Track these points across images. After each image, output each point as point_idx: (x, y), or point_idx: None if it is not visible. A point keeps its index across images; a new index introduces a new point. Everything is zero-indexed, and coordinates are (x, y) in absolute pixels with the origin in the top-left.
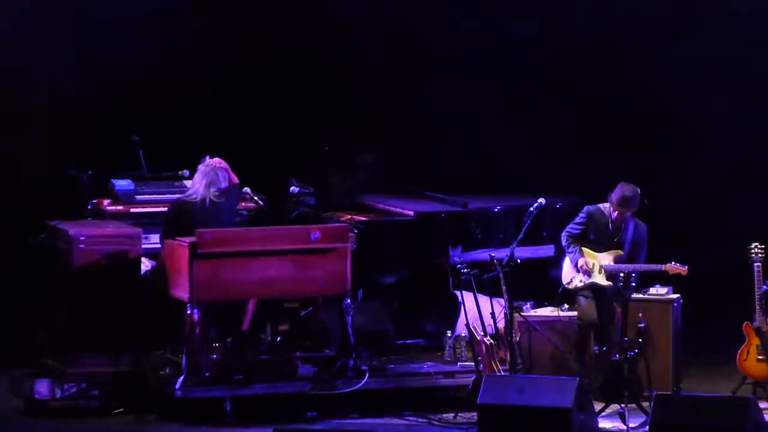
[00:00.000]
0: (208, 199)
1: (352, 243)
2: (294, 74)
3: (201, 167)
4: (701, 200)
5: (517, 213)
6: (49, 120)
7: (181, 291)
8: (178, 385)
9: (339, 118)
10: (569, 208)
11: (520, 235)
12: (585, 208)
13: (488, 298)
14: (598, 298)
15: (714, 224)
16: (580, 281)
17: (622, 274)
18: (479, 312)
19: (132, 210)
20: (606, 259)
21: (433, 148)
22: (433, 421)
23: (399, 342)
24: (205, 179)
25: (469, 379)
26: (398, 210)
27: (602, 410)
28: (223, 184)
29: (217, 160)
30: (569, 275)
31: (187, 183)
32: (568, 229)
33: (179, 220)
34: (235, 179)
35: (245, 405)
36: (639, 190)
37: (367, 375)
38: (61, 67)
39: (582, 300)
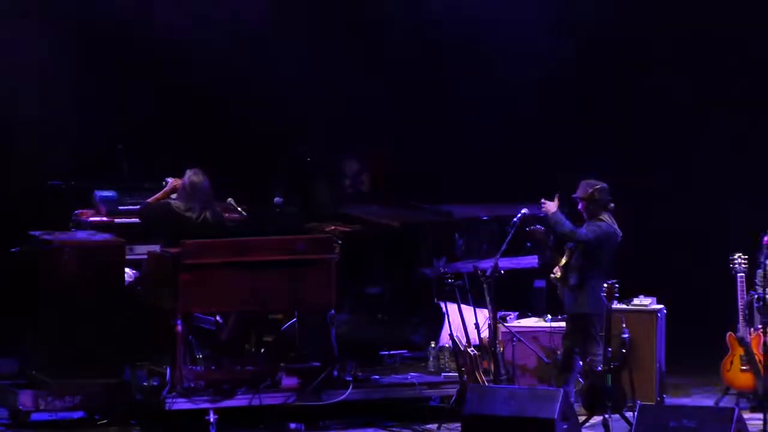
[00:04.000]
0: (201, 219)
1: (336, 254)
2: None
3: (193, 180)
4: (685, 211)
5: (501, 223)
6: (35, 129)
7: (166, 302)
8: (162, 396)
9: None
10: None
11: (504, 246)
12: None
13: (472, 309)
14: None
15: (698, 234)
16: None
17: (605, 285)
18: (463, 322)
19: (116, 221)
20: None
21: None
22: None
23: (383, 353)
24: (200, 196)
25: (453, 390)
26: (383, 220)
27: (586, 421)
28: (213, 201)
29: (202, 177)
30: None
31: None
32: None
33: (168, 230)
34: None
35: (229, 416)
36: (591, 182)
37: (351, 386)
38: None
39: None
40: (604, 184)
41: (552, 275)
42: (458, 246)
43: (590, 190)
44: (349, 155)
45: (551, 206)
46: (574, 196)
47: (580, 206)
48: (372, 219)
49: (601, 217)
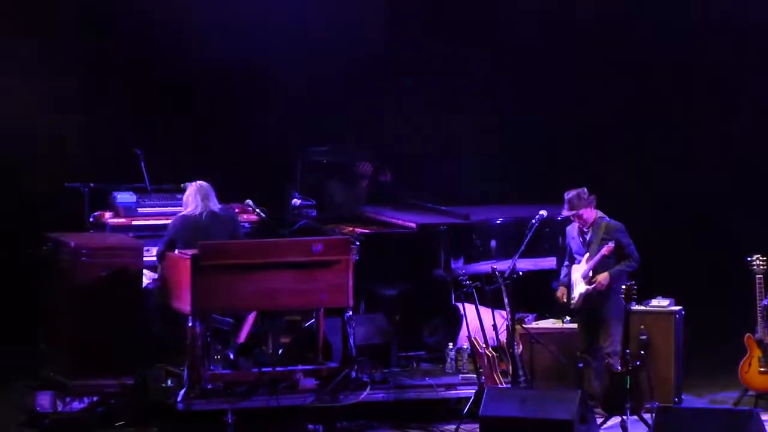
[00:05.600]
0: (206, 213)
1: (354, 255)
2: None
3: (189, 186)
4: (702, 212)
5: (518, 225)
6: (54, 131)
7: (183, 303)
8: (179, 398)
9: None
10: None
11: (522, 247)
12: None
13: (490, 311)
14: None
15: (716, 236)
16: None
17: (623, 286)
18: (481, 324)
19: (134, 222)
20: (580, 270)
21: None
22: None
23: (401, 354)
24: (198, 194)
25: (471, 392)
26: (400, 222)
27: (604, 422)
28: (215, 199)
29: (194, 181)
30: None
31: None
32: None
33: (181, 234)
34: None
35: (247, 417)
36: (579, 192)
37: (369, 387)
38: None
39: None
40: (582, 189)
41: (572, 305)
42: (475, 247)
43: (584, 198)
44: (365, 156)
45: (604, 278)
46: (563, 216)
47: (576, 220)
48: (389, 220)
49: (600, 215)
